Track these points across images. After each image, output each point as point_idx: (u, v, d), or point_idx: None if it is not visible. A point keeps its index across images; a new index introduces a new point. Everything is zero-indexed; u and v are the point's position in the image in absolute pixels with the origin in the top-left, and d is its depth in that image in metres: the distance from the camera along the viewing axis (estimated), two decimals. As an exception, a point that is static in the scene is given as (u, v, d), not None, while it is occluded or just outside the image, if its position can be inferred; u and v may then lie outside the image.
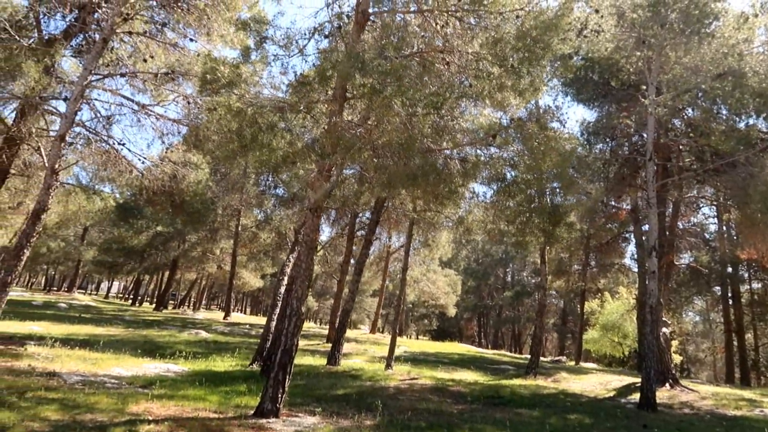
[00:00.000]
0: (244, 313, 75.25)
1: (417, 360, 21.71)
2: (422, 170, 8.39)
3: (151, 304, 56.92)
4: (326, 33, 10.17)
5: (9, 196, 23.22)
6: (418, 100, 9.21)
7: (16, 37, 14.45)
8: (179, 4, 14.22)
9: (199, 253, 41.74)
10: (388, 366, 17.06)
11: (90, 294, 73.78)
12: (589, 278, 31.69)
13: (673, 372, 18.86)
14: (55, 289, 69.04)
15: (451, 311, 46.39)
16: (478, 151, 11.09)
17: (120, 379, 11.58)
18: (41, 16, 16.06)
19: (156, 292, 62.91)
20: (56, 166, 11.79)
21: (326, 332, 32.47)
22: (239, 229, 38.23)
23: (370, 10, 10.69)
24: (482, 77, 9.79)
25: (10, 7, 17.40)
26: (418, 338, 64.24)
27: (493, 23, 10.05)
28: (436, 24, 10.96)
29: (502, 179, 10.08)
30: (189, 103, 14.61)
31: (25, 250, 11.25)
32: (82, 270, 58.26)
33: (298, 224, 24.44)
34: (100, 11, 15.71)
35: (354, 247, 29.68)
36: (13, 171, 16.84)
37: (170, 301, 53.99)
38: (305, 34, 10.66)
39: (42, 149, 13.72)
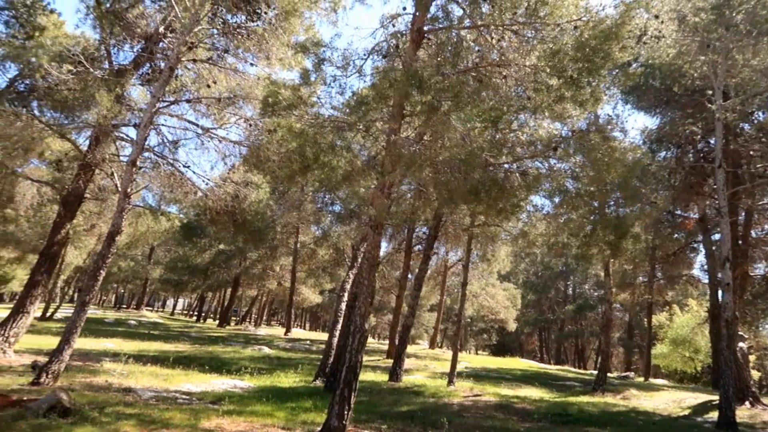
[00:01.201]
0: (304, 328, 76.23)
1: (479, 376, 21.39)
2: (484, 185, 8.35)
3: (214, 320, 58.50)
4: (383, 52, 10.31)
5: (83, 219, 24.46)
6: (476, 116, 9.20)
7: (90, 68, 15.35)
8: (239, 30, 14.72)
9: (259, 270, 42.69)
10: (451, 382, 16.89)
11: (157, 311, 76.59)
12: (656, 290, 30.51)
13: (753, 389, 17.85)
14: (124, 306, 72.09)
15: (512, 326, 45.52)
16: (538, 163, 10.93)
17: (190, 394, 11.94)
18: (111, 48, 16.97)
19: (219, 309, 64.70)
20: (128, 189, 12.37)
21: (385, 348, 32.50)
22: (298, 246, 38.93)
23: (426, 28, 10.78)
24: (541, 89, 9.68)
25: (83, 40, 18.51)
26: (477, 353, 63.33)
27: (551, 35, 9.93)
28: (492, 38, 10.93)
29: (564, 192, 9.88)
30: (250, 125, 15.05)
31: (101, 271, 11.83)
32: (149, 288, 60.58)
33: (356, 240, 24.68)
34: (165, 41, 16.49)
35: (411, 262, 29.65)
36: (87, 195, 17.73)
37: (232, 318, 55.36)
38: (362, 55, 10.86)
39: (115, 174, 14.41)
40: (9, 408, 7.64)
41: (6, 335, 14.43)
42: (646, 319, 37.51)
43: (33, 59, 15.86)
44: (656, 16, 15.27)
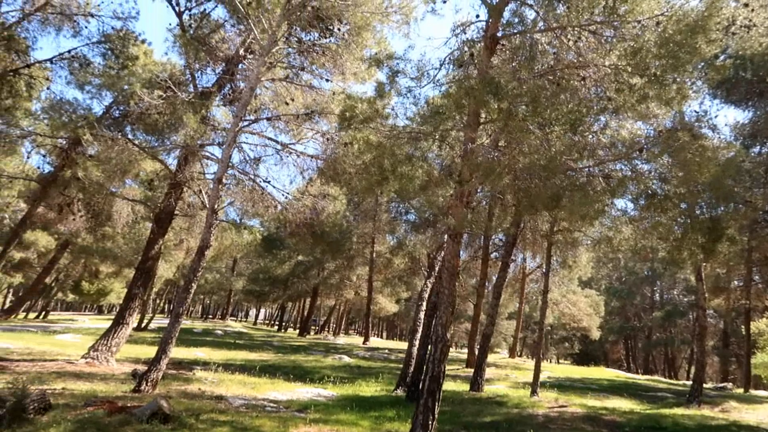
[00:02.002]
0: (381, 337, 76.74)
1: (563, 386, 20.75)
2: (565, 190, 8.16)
3: (294, 329, 59.94)
4: (457, 61, 10.31)
5: (173, 234, 25.82)
6: (556, 120, 9.02)
7: (177, 92, 16.26)
8: (314, 48, 15.16)
9: (337, 280, 43.45)
10: (534, 392, 16.49)
11: (240, 321, 79.48)
12: (754, 295, 28.53)
13: None
14: (210, 316, 75.25)
15: (595, 334, 43.88)
16: (622, 165, 10.56)
17: (277, 402, 12.30)
18: (196, 72, 17.89)
19: (299, 318, 66.28)
20: (215, 206, 12.97)
21: (464, 357, 32.17)
22: (374, 255, 39.34)
23: (499, 34, 10.71)
24: (622, 89, 9.38)
25: (170, 66, 19.64)
26: (559, 362, 61.44)
27: (631, 33, 9.61)
28: (568, 40, 10.70)
29: (652, 195, 9.47)
30: (327, 139, 15.41)
31: (193, 284, 12.45)
32: (233, 299, 62.95)
33: (431, 249, 24.63)
34: (245, 62, 17.22)
35: (488, 270, 29.24)
36: (177, 212, 18.72)
37: (312, 327, 56.55)
38: (436, 65, 10.91)
39: (202, 191, 15.14)
40: (116, 414, 8.18)
41: (108, 345, 15.44)
42: (743, 326, 35.11)
43: (126, 86, 16.95)
44: (746, 5, 14.43)
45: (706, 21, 9.04)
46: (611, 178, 9.94)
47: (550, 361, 61.23)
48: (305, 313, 51.63)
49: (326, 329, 60.20)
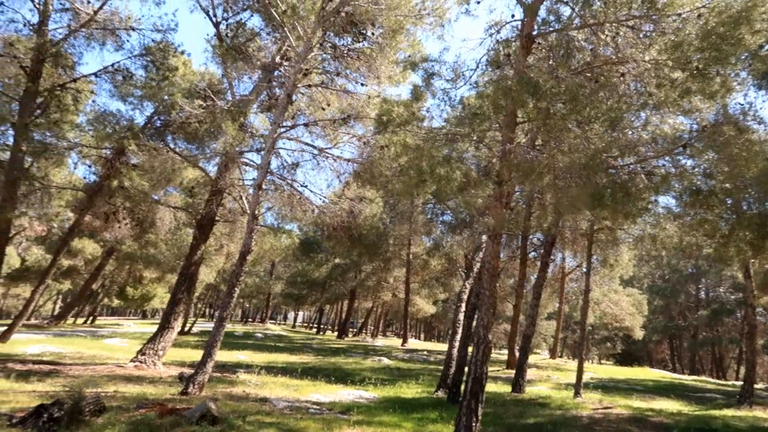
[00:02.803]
0: (419, 339, 76.62)
1: (606, 387, 20.39)
2: (607, 189, 8.05)
3: (333, 332, 60.40)
4: (493, 62, 10.28)
5: (214, 240, 26.33)
6: (595, 117, 8.92)
7: (216, 101, 16.63)
8: (349, 53, 15.29)
9: (374, 282, 43.62)
10: (577, 393, 16.26)
11: (279, 324, 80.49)
12: (807, 292, 27.41)
13: None
14: (250, 320, 76.39)
15: (638, 333, 42.89)
16: (664, 162, 10.35)
17: (320, 405, 12.44)
18: (233, 80, 18.23)
19: (337, 321, 66.74)
20: (256, 211, 13.21)
21: (504, 357, 31.91)
22: (410, 257, 39.36)
23: (534, 33, 10.63)
24: (664, 84, 9.20)
25: (208, 75, 20.08)
26: (601, 363, 60.23)
27: (672, 26, 9.43)
28: (605, 36, 10.56)
29: (697, 191, 9.26)
30: (364, 143, 15.52)
31: (236, 288, 12.72)
32: (272, 302, 63.80)
33: (468, 249, 24.52)
34: (281, 69, 17.48)
35: (526, 270, 28.92)
36: (217, 218, 19.12)
37: (350, 329, 56.90)
38: (471, 66, 10.90)
39: (243, 197, 15.43)
40: (167, 416, 8.42)
41: (155, 349, 15.87)
42: (796, 324, 33.86)
43: (166, 97, 17.40)
44: (791, -7, 13.99)
45: (750, 11, 8.81)
46: (654, 175, 9.76)
47: (592, 362, 60.09)
48: (343, 316, 52.00)
49: (364, 331, 60.46)
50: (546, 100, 8.16)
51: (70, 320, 45.58)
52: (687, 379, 31.31)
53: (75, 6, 17.64)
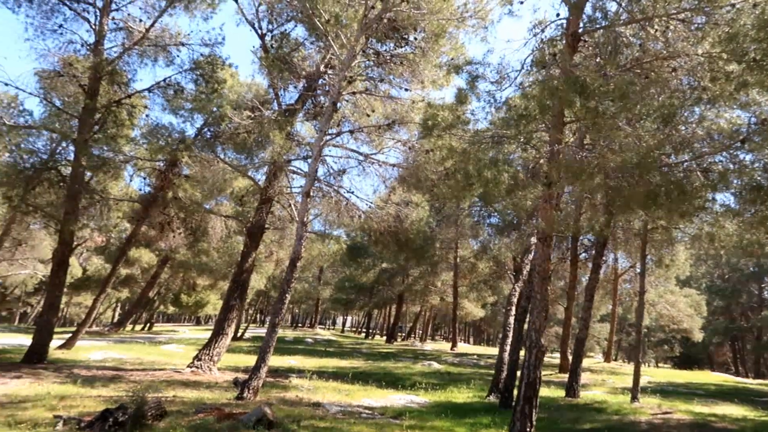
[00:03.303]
0: (468, 342, 76.01)
1: (665, 391, 19.72)
2: (662, 187, 7.82)
3: (381, 336, 60.57)
4: (538, 62, 10.16)
5: (264, 246, 26.86)
6: (647, 115, 8.70)
7: (263, 111, 16.99)
8: (392, 59, 15.38)
9: (421, 287, 43.53)
10: (635, 398, 15.79)
11: (328, 329, 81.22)
12: None
13: None
14: (300, 325, 77.40)
15: (697, 335, 41.28)
16: (722, 158, 9.98)
17: (372, 409, 12.51)
18: (279, 90, 18.58)
19: (385, 325, 66.90)
20: (305, 218, 13.42)
21: (556, 361, 31.26)
22: (458, 260, 39.13)
23: (580, 30, 10.46)
24: (719, 78, 8.90)
25: (254, 86, 20.51)
26: (658, 366, 58.29)
27: (725, 17, 9.11)
28: (655, 30, 10.29)
29: (758, 187, 8.87)
30: (409, 148, 15.55)
31: (287, 295, 12.94)
32: (320, 307, 64.51)
33: (517, 252, 24.19)
34: (326, 77, 17.72)
35: (577, 271, 28.29)
36: (267, 226, 19.49)
37: (398, 333, 56.94)
38: (516, 67, 10.81)
39: (292, 205, 15.69)
40: (225, 420, 8.65)
41: (211, 355, 16.30)
42: None
43: (215, 109, 17.87)
44: None
45: (810, -2, 8.44)
46: (710, 172, 9.42)
47: (649, 365, 58.20)
48: (391, 320, 52.07)
49: (413, 335, 60.39)
50: (594, 99, 8.01)
51: (129, 327, 47.27)
52: (752, 382, 29.98)
53: (128, 25, 18.37)
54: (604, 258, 22.89)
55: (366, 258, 42.96)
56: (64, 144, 21.41)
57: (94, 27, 17.43)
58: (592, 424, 12.32)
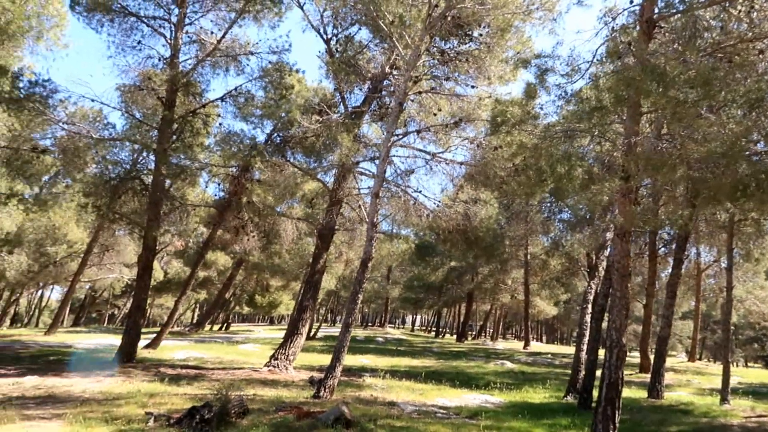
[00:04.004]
0: (540, 341, 74.38)
1: (758, 393, 18.55)
2: (752, 178, 7.36)
3: (451, 335, 60.26)
4: (612, 52, 9.81)
5: (333, 248, 27.29)
6: (732, 101, 8.23)
7: (330, 114, 17.25)
8: (458, 56, 15.25)
9: (491, 284, 42.99)
10: (724, 400, 14.96)
11: (398, 328, 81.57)
12: None
13: None
14: (370, 324, 78.15)
15: (791, 333, 38.68)
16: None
17: (447, 409, 12.47)
18: (345, 93, 18.82)
19: (454, 324, 66.51)
20: (375, 219, 13.53)
21: (635, 360, 30.07)
22: (528, 257, 38.37)
23: (655, 16, 10.01)
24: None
25: (320, 90, 20.85)
26: (747, 366, 55.03)
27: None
28: (738, 11, 9.72)
29: None
30: (478, 145, 15.39)
31: (359, 295, 13.10)
32: (390, 306, 64.91)
33: (590, 248, 23.42)
34: (391, 79, 17.80)
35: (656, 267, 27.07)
36: (337, 227, 19.79)
37: (468, 332, 56.46)
38: (587, 58, 10.47)
39: (361, 206, 15.86)
40: (304, 418, 8.86)
41: (286, 354, 16.74)
42: None
43: (283, 114, 18.29)
44: None
45: None
46: (807, 158, 8.80)
47: (737, 365, 55.06)
48: (461, 319, 51.69)
49: (483, 334, 59.73)
50: (674, 88, 7.65)
51: (207, 327, 49.23)
52: None
53: (201, 37, 19.13)
54: (686, 252, 21.81)
55: (434, 257, 42.86)
56: (144, 154, 22.60)
57: (169, 41, 18.25)
58: (679, 427, 11.78)
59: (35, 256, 28.87)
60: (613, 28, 10.92)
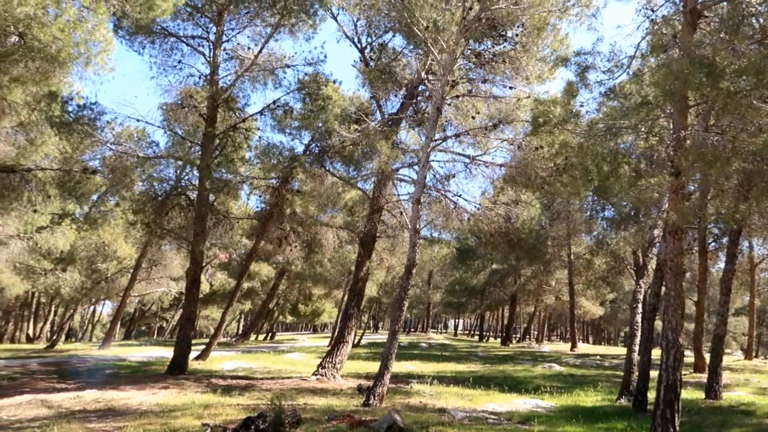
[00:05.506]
0: (587, 342, 72.81)
1: (824, 391, 17.78)
2: (813, 169, 7.09)
3: (495, 338, 59.61)
4: (654, 45, 9.59)
5: (375, 255, 27.37)
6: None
7: (368, 122, 17.34)
8: (494, 58, 15.16)
9: (534, 286, 42.36)
10: (788, 399, 14.40)
11: (441, 332, 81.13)
12: None
13: None
14: (412, 329, 77.91)
15: None
16: None
17: (497, 414, 12.32)
18: (381, 100, 18.90)
19: (498, 327, 65.77)
20: (417, 225, 13.53)
21: (689, 360, 29.13)
22: (571, 257, 37.69)
23: (699, 6, 9.74)
24: None
25: (356, 99, 20.97)
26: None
27: None
28: (789, -5, 9.38)
29: None
30: (518, 147, 15.23)
31: (405, 301, 13.11)
32: (432, 311, 64.66)
33: (636, 245, 22.83)
34: (427, 84, 17.79)
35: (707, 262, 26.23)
36: (378, 234, 19.85)
37: (513, 335, 55.74)
38: (629, 53, 10.27)
39: (403, 213, 15.88)
40: (356, 427, 8.90)
41: (333, 362, 16.84)
42: None
43: (320, 124, 18.46)
44: None
45: None
46: None
47: (797, 362, 52.72)
48: (505, 322, 51.08)
49: (528, 337, 58.87)
50: (724, 78, 7.42)
51: (253, 337, 49.92)
52: None
53: (238, 53, 19.53)
54: (739, 247, 21.06)
55: (475, 260, 42.50)
56: (187, 169, 23.13)
57: (208, 59, 18.68)
58: (741, 428, 11.36)
59: (87, 272, 29.85)
60: (653, 20, 10.68)
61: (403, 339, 46.63)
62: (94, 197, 26.51)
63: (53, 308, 45.63)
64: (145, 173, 19.27)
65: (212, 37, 18.57)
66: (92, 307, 54.85)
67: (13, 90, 11.28)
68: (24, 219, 17.19)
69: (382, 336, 51.71)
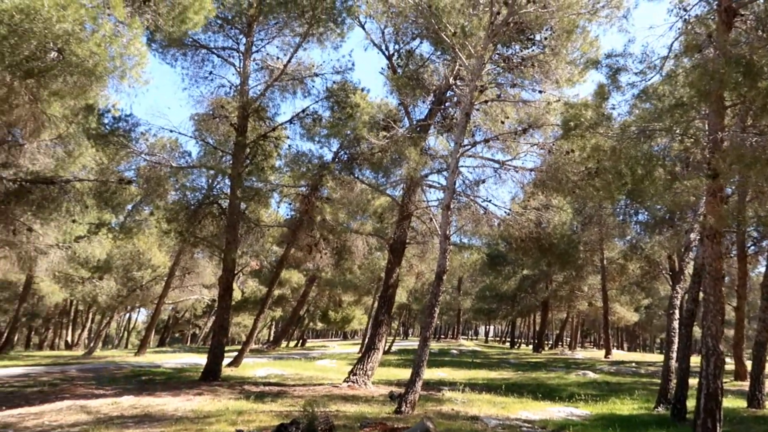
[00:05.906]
0: (621, 349, 71.35)
1: None
2: None
3: (527, 345, 58.90)
4: (689, 45, 9.41)
5: (405, 261, 27.35)
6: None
7: (396, 129, 17.37)
8: (522, 62, 15.05)
9: (566, 292, 41.77)
10: (836, 409, 13.87)
11: (471, 339, 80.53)
12: None
13: None
14: (442, 336, 77.56)
15: None
16: None
17: (531, 422, 12.15)
18: (409, 107, 18.93)
19: (529, 334, 64.97)
20: (447, 232, 13.47)
21: (729, 367, 28.32)
22: (604, 262, 37.07)
23: (734, 4, 9.52)
24: None
25: (384, 106, 21.05)
26: None
27: None
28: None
29: None
30: (549, 151, 15.05)
31: (436, 308, 13.04)
32: (462, 318, 64.23)
33: (672, 250, 22.35)
34: (455, 90, 17.75)
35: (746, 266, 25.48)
36: (408, 241, 19.82)
37: (545, 342, 55.00)
38: (662, 54, 10.10)
39: (433, 219, 15.83)
40: (389, 435, 8.89)
41: (365, 369, 16.84)
42: None
43: (348, 132, 18.57)
44: None
45: None
46: None
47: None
48: (537, 328, 50.44)
49: (560, 343, 58.00)
50: (763, 78, 7.23)
51: (284, 344, 50.30)
52: None
53: (267, 63, 19.81)
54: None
55: (506, 266, 42.13)
56: (219, 178, 23.49)
57: (238, 70, 18.98)
58: (787, 438, 10.99)
59: (123, 281, 30.50)
60: (686, 20, 10.49)
61: (434, 346, 46.41)
62: (129, 207, 27.15)
63: (90, 316, 46.83)
64: (178, 183, 19.64)
65: (242, 47, 18.87)
66: (128, 315, 56.02)
67: (52, 104, 11.62)
68: (63, 229, 17.63)
69: (412, 343, 51.56)
